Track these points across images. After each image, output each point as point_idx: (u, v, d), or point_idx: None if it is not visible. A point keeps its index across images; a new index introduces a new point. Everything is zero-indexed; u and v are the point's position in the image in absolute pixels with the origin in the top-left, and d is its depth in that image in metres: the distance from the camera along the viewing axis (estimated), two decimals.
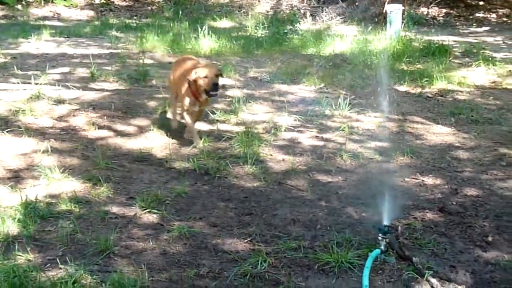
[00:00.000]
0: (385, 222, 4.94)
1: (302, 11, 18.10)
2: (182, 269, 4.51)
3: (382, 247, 4.62)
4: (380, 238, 4.68)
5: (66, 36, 13.93)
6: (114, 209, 5.49)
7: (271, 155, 6.91)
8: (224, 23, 16.56)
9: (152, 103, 8.60)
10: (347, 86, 9.99)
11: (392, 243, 4.71)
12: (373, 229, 4.88)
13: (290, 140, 7.42)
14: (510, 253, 4.76)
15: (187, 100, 7.20)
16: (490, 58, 12.27)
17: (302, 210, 5.51)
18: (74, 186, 5.93)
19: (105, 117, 7.98)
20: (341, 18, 17.44)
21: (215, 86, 6.99)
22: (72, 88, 9.06)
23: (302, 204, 5.66)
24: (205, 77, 6.96)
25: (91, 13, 18.22)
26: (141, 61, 10.90)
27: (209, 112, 8.20)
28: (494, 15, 19.28)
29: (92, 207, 5.51)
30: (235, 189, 6.00)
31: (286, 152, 7.01)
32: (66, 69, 10.41)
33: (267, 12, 18.35)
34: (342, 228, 5.15)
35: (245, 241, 4.94)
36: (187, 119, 7.31)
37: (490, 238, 4.99)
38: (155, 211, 5.43)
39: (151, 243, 4.89)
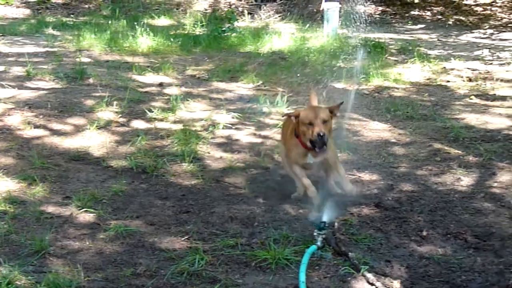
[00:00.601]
0: (323, 218, 4.99)
1: (240, 9, 18.14)
2: (119, 268, 4.48)
3: (319, 243, 4.65)
4: (316, 234, 4.71)
5: (1, 34, 13.72)
6: (50, 208, 5.43)
7: (209, 153, 6.90)
8: (162, 21, 16.49)
9: (89, 102, 8.52)
10: (285, 83, 10.05)
11: (329, 239, 4.74)
12: (312, 225, 4.90)
13: (228, 138, 7.42)
14: (444, 247, 4.83)
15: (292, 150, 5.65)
16: (425, 55, 12.49)
17: (240, 208, 5.52)
18: (9, 186, 5.85)
19: (41, 116, 7.88)
20: (279, 16, 17.53)
21: (321, 138, 5.28)
22: (7, 87, 8.93)
23: (240, 202, 5.67)
24: (310, 123, 5.34)
25: (27, 11, 18.00)
26: (78, 59, 10.79)
27: (146, 110, 8.16)
28: (429, 13, 19.59)
29: (27, 207, 5.44)
30: (173, 187, 5.98)
31: (224, 149, 7.01)
32: (1, 68, 10.25)
33: (206, 10, 18.33)
34: (279, 225, 5.16)
35: (183, 239, 4.92)
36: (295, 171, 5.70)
37: (424, 233, 5.06)
38: (92, 210, 5.38)
39: (87, 243, 4.84)
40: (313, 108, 5.60)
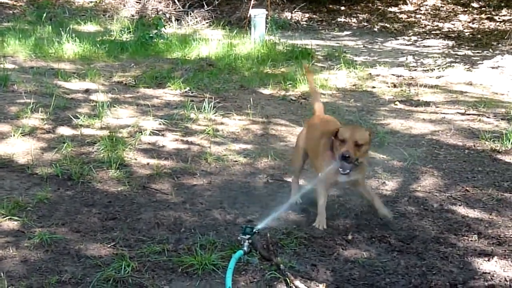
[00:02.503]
0: (250, 223, 5.01)
1: (168, 15, 18.06)
2: (44, 276, 4.42)
3: (245, 248, 4.67)
4: (243, 239, 4.72)
5: None
6: None
7: (136, 159, 6.86)
8: (89, 27, 16.32)
9: (13, 109, 8.38)
10: (212, 89, 10.05)
11: (255, 244, 4.76)
12: (240, 232, 4.90)
13: (155, 144, 7.39)
14: (369, 251, 4.91)
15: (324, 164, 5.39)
16: (351, 62, 12.65)
17: (167, 214, 5.50)
18: None
19: None
20: (207, 23, 17.53)
21: (343, 159, 5.07)
22: None
23: (167, 208, 5.65)
24: (343, 141, 5.12)
25: None
26: (1, 65, 10.59)
27: (72, 117, 8.07)
28: (355, 20, 19.82)
29: None
30: (99, 194, 5.93)
31: (150, 156, 6.98)
32: None
33: (133, 16, 18.20)
34: (206, 230, 5.17)
35: (109, 246, 4.89)
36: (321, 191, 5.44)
37: (350, 237, 5.13)
38: (16, 218, 5.29)
39: (11, 251, 4.76)
40: (353, 127, 5.44)
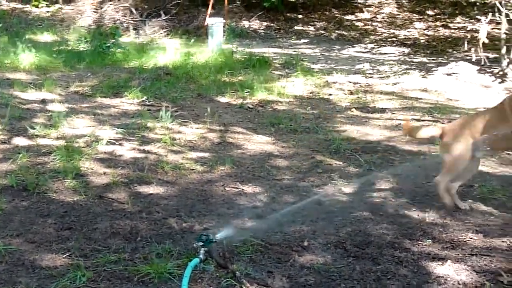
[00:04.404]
0: (206, 232, 5.01)
1: (125, 25, 18.02)
2: None
3: (201, 256, 4.67)
4: (198, 247, 4.72)
5: None
6: None
7: (92, 169, 6.83)
8: (45, 37, 16.23)
9: None
10: (170, 98, 10.05)
11: (211, 251, 4.76)
12: (195, 240, 4.90)
13: (112, 153, 7.36)
14: (324, 256, 4.94)
15: None
16: (308, 69, 12.72)
17: (123, 223, 5.48)
18: None
19: None
20: (164, 32, 17.50)
21: None
22: None
23: (123, 217, 5.63)
24: None
25: None
26: None
27: (28, 127, 8.02)
28: (312, 28, 19.94)
29: None
30: (55, 204, 5.89)
31: (107, 165, 6.95)
32: None
33: (90, 26, 18.13)
34: (162, 239, 5.16)
35: (64, 256, 4.86)
36: None
37: (306, 243, 5.16)
38: None
39: None
40: None
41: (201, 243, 4.73)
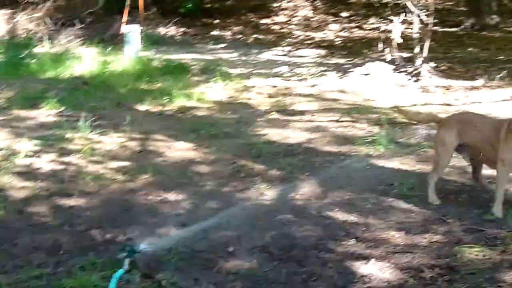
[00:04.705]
0: (130, 242, 4.97)
1: (39, 35, 17.69)
2: None
3: (126, 267, 4.62)
4: (123, 257, 4.68)
5: None
6: None
7: (10, 183, 6.69)
8: None
9: None
10: (88, 108, 9.91)
11: (136, 261, 4.72)
12: (119, 251, 4.85)
13: (30, 166, 7.23)
14: (250, 261, 4.94)
15: None
16: (227, 74, 12.73)
17: (44, 237, 5.38)
18: None
19: None
20: (80, 41, 17.26)
21: None
22: None
23: (44, 231, 5.53)
24: None
25: None
26: None
27: None
28: (229, 33, 19.97)
29: None
30: None
31: (26, 178, 6.82)
32: None
33: (3, 36, 17.76)
34: (86, 251, 5.09)
35: None
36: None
37: (231, 249, 5.15)
38: None
39: None
40: None
41: (125, 254, 4.68)
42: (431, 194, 6.16)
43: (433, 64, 13.02)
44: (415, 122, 7.96)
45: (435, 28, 14.95)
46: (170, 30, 19.59)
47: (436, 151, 6.30)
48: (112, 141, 8.28)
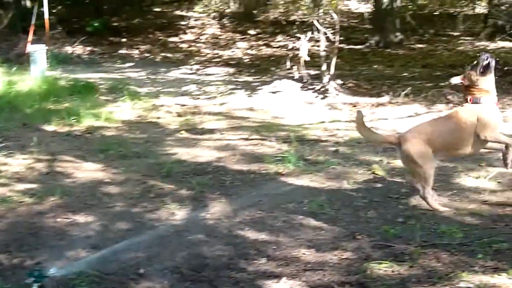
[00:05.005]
0: (38, 266, 4.88)
1: None
2: None
3: None
4: (31, 282, 4.59)
5: None
6: None
7: None
8: None
9: None
10: None
11: (45, 286, 4.63)
12: (28, 276, 4.75)
13: None
14: (161, 283, 4.90)
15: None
16: (135, 93, 12.67)
17: None
18: None
19: None
20: None
21: None
22: None
23: None
24: None
25: None
26: None
27: None
28: (137, 51, 19.89)
29: None
30: None
31: None
32: None
33: None
34: None
35: None
36: None
37: (142, 270, 5.10)
38: None
39: None
40: None
41: (33, 278, 4.59)
42: (437, 206, 6.33)
43: (340, 82, 13.24)
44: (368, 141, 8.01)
45: (341, 45, 15.21)
46: (77, 49, 19.39)
47: (416, 166, 6.31)
48: (18, 162, 8.12)
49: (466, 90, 6.40)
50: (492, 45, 18.38)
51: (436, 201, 6.38)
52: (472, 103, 6.27)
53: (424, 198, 6.32)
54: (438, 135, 6.33)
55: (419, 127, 6.63)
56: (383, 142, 7.18)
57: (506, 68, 14.13)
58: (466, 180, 7.36)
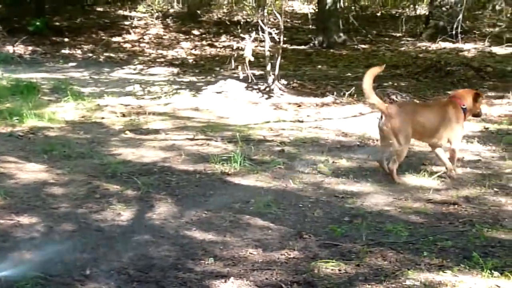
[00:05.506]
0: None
1: None
2: None
3: None
4: None
5: None
6: None
7: None
8: None
9: None
10: None
11: None
12: None
13: None
14: (108, 284, 4.86)
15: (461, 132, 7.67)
16: (78, 93, 12.52)
17: None
18: None
19: None
20: None
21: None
22: None
23: None
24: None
25: None
26: None
27: None
28: (79, 51, 19.65)
29: None
30: None
31: None
32: None
33: None
34: None
35: None
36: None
37: (88, 271, 5.05)
38: None
39: None
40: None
41: None
42: (398, 178, 7.23)
43: (284, 82, 13.29)
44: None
45: (285, 46, 15.25)
46: (19, 49, 19.08)
47: (397, 140, 7.17)
48: None
49: None
50: (433, 46, 18.66)
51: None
52: None
53: (390, 170, 7.23)
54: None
55: (406, 106, 7.96)
56: (375, 106, 7.48)
57: (447, 69, 14.38)
58: (410, 179, 7.45)
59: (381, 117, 7.27)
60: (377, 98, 7.35)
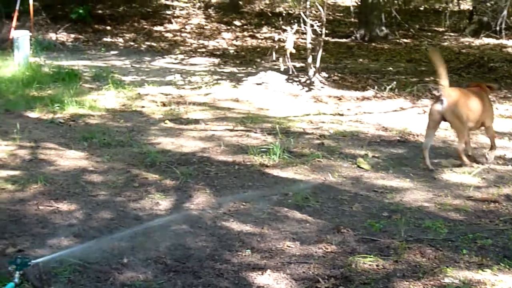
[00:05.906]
0: (20, 254, 4.83)
1: None
2: None
3: (16, 280, 4.47)
4: (13, 270, 4.52)
5: None
6: None
7: None
8: None
9: None
10: None
11: (27, 274, 4.58)
12: (10, 263, 4.69)
13: None
14: (145, 273, 4.88)
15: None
16: (119, 82, 12.57)
17: None
18: None
19: None
20: None
21: None
22: None
23: None
24: None
25: None
26: None
27: None
28: (121, 40, 19.73)
29: None
30: None
31: None
32: None
33: None
34: None
35: None
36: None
37: (125, 260, 5.07)
38: None
39: None
40: None
41: (15, 266, 4.53)
42: (465, 159, 7.60)
43: (325, 75, 13.23)
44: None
45: (327, 38, 15.18)
46: (61, 36, 19.23)
47: (456, 125, 7.58)
48: (1, 149, 8.04)
49: None
50: (476, 42, 18.44)
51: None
52: None
53: (458, 151, 7.61)
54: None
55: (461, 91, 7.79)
56: (442, 89, 7.54)
57: (490, 65, 14.20)
58: (451, 175, 7.37)
59: (441, 101, 7.44)
60: (447, 82, 7.55)
